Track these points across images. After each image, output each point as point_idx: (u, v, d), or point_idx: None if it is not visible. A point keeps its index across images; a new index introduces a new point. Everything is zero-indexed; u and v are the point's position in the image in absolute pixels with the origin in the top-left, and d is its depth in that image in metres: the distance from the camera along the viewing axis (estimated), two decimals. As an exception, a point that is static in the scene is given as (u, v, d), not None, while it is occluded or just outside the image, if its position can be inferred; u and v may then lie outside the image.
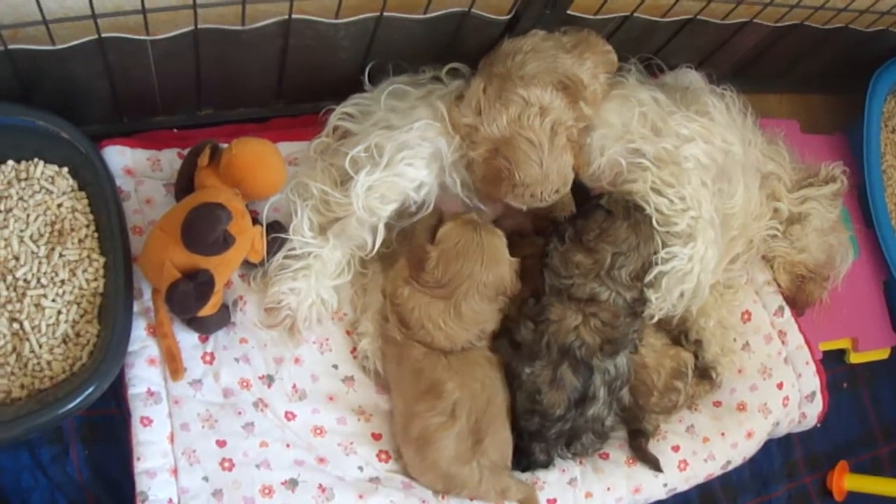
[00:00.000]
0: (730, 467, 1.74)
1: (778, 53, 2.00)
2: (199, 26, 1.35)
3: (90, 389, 1.29)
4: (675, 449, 1.66)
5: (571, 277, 1.50)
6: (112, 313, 1.36)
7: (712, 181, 1.60)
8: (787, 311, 1.85)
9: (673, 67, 1.83)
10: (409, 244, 1.54)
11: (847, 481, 1.99)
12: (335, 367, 1.55)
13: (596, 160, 1.58)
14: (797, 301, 1.88)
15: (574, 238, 1.51)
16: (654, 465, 1.61)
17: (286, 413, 1.48)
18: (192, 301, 1.36)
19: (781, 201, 1.81)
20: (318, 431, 1.50)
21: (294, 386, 1.51)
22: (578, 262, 1.49)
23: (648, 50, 1.81)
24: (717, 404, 1.76)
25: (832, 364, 2.03)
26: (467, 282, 1.46)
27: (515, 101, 1.43)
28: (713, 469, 1.69)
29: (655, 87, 1.67)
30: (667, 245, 1.54)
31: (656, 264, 1.54)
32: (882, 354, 2.14)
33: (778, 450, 1.93)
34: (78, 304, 1.40)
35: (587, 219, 1.52)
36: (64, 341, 1.38)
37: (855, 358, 2.11)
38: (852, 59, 2.11)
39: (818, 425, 1.89)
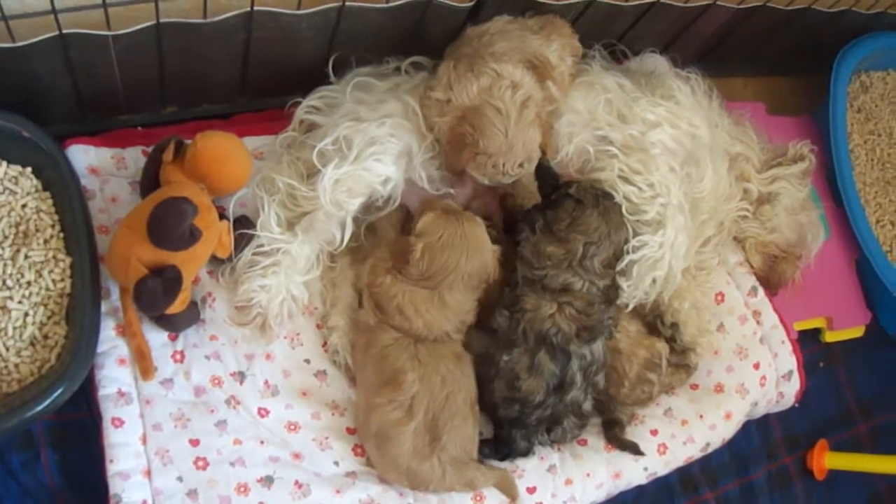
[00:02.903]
0: (709, 449, 1.73)
1: (742, 36, 2.01)
2: (160, 20, 1.34)
3: (59, 391, 1.28)
4: (654, 433, 1.66)
5: (544, 268, 1.49)
6: (80, 314, 1.35)
7: (680, 166, 1.60)
8: (761, 292, 1.85)
9: (637, 53, 1.84)
10: (375, 239, 1.54)
11: (827, 460, 1.99)
12: (307, 361, 1.54)
13: (564, 147, 1.58)
14: (770, 281, 1.88)
15: (545, 228, 1.50)
16: (634, 449, 1.61)
17: (259, 410, 1.47)
18: (160, 297, 1.35)
19: (751, 182, 1.82)
20: (293, 427, 1.49)
21: (266, 382, 1.49)
22: (550, 253, 1.49)
23: (612, 35, 1.81)
24: (695, 387, 1.76)
25: (807, 344, 2.02)
26: (453, 273, 1.46)
27: (487, 72, 1.42)
28: (692, 452, 1.69)
29: (620, 72, 1.68)
30: (637, 233, 1.54)
31: (627, 253, 1.54)
32: (857, 332, 2.15)
33: (757, 431, 1.93)
34: (45, 305, 1.39)
35: (557, 209, 1.51)
36: (31, 343, 1.37)
37: (830, 337, 2.11)
38: (816, 41, 2.12)
39: (796, 405, 1.89)
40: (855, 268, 2.18)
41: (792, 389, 1.83)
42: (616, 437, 1.61)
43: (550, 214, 1.51)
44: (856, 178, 2.14)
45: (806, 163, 1.87)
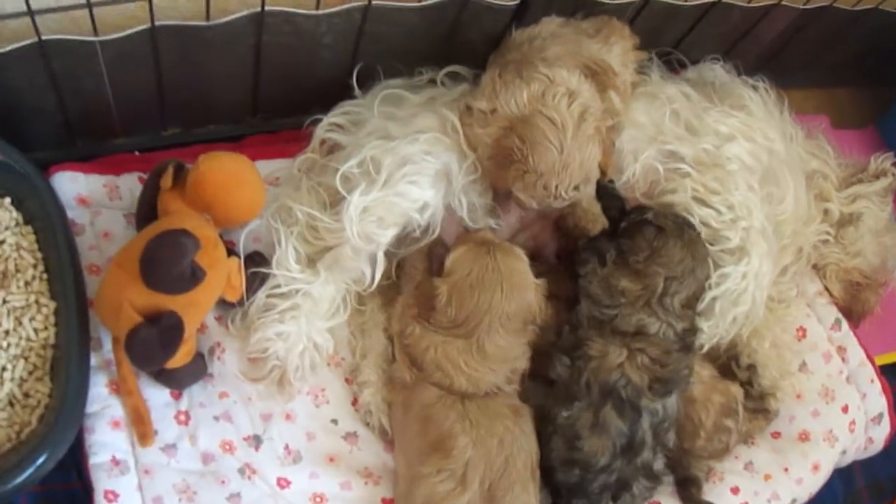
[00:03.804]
0: None
1: (802, 43, 1.94)
2: (156, 23, 1.29)
3: (41, 460, 1.21)
4: (735, 491, 1.56)
5: (616, 307, 1.40)
6: (66, 368, 1.29)
7: (759, 184, 1.53)
8: (845, 324, 1.77)
9: (694, 62, 1.78)
10: (409, 278, 1.46)
11: (916, 510, 1.91)
12: (334, 422, 1.46)
13: (629, 167, 1.50)
14: (853, 311, 1.80)
15: (618, 260, 1.41)
16: None
17: (279, 480, 1.39)
18: (156, 349, 1.28)
19: (831, 202, 1.75)
20: (319, 500, 1.40)
21: (286, 447, 1.41)
22: (625, 289, 1.39)
23: (668, 42, 1.76)
24: (776, 435, 1.66)
25: (888, 380, 1.90)
26: (488, 315, 1.35)
27: (539, 78, 1.33)
28: None
29: (682, 81, 1.64)
30: (718, 265, 1.47)
31: (709, 288, 1.46)
32: (942, 366, 2.09)
33: (839, 481, 1.79)
34: (25, 358, 1.32)
35: (634, 237, 1.41)
36: (10, 403, 1.30)
37: None
38: (880, 48, 2.07)
39: (884, 450, 1.80)
40: (938, 293, 2.11)
41: (882, 434, 1.75)
42: (693, 499, 1.51)
43: (626, 244, 1.41)
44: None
45: (889, 179, 1.80)
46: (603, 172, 1.41)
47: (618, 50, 1.43)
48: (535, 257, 1.49)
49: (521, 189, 1.35)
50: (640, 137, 1.49)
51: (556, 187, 1.34)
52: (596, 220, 1.52)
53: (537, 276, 1.40)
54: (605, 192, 1.46)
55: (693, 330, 1.44)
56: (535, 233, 1.56)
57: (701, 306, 1.45)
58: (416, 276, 1.44)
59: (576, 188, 1.35)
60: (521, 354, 1.41)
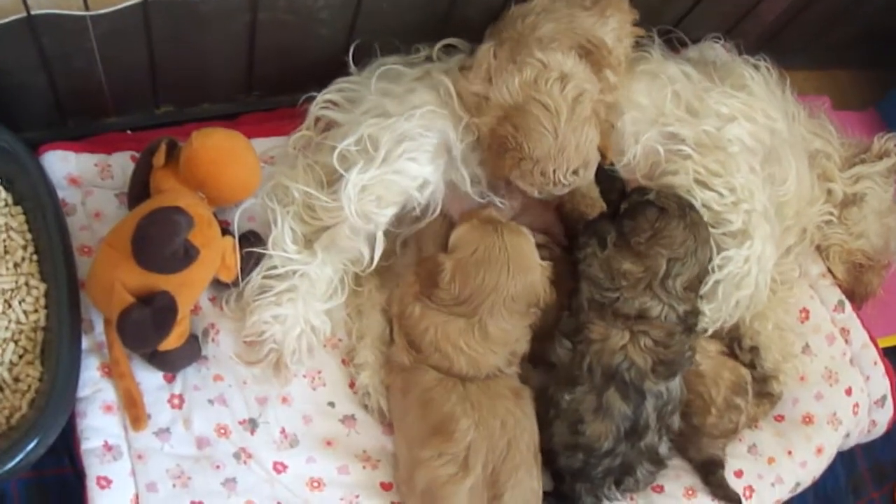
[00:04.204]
0: (798, 490, 1.64)
1: (806, 21, 1.95)
2: None
3: (32, 445, 1.19)
4: (738, 474, 1.55)
5: (617, 290, 1.38)
6: (56, 351, 1.28)
7: (761, 165, 1.52)
8: (848, 306, 1.76)
9: (695, 41, 1.77)
10: (414, 256, 1.45)
11: (920, 493, 1.90)
12: (331, 404, 1.45)
13: (630, 148, 1.49)
14: (856, 293, 1.79)
15: (619, 242, 1.39)
16: (736, 500, 1.50)
17: (275, 464, 1.38)
18: (149, 331, 1.27)
19: (834, 182, 1.74)
20: (316, 484, 1.39)
21: (283, 430, 1.40)
22: (626, 271, 1.38)
23: (669, 21, 1.74)
24: (780, 418, 1.65)
25: (891, 361, 1.89)
26: (492, 296, 1.34)
27: (532, 63, 1.32)
28: (782, 494, 1.59)
29: (683, 60, 1.61)
30: (720, 248, 1.45)
31: (712, 272, 1.45)
32: (945, 348, 2.09)
33: (841, 464, 1.81)
34: (15, 341, 1.31)
35: (635, 218, 1.40)
36: (0, 388, 1.29)
37: None
38: (882, 29, 2.07)
39: (887, 432, 1.80)
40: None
41: (885, 416, 1.74)
42: (720, 484, 1.50)
43: (628, 225, 1.40)
44: (932, 177, 2.09)
45: (892, 158, 1.79)
46: (603, 156, 1.40)
47: (613, 23, 1.41)
48: (544, 244, 1.49)
49: (518, 177, 1.35)
50: (642, 119, 1.48)
51: (554, 173, 1.33)
52: (594, 204, 1.51)
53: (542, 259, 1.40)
54: (605, 175, 1.44)
55: (695, 312, 1.43)
56: (539, 215, 1.55)
57: (703, 290, 1.44)
58: (428, 253, 1.43)
59: (574, 173, 1.34)
60: (521, 337, 1.40)
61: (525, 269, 1.35)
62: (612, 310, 1.38)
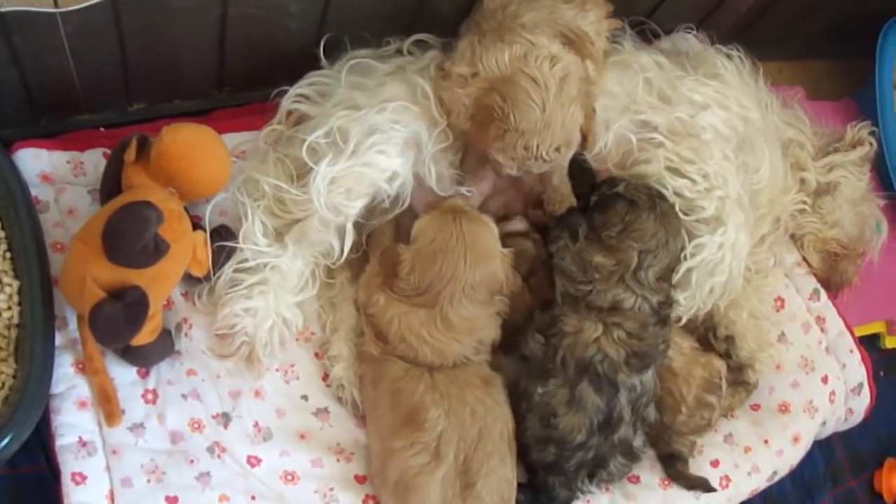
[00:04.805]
0: (776, 478, 1.64)
1: (777, 14, 1.94)
2: None
3: (5, 441, 1.19)
4: (715, 464, 1.56)
5: (590, 282, 1.38)
6: (30, 348, 1.28)
7: (734, 153, 1.51)
8: (824, 295, 1.76)
9: (667, 32, 1.77)
10: (377, 247, 1.44)
11: (898, 479, 1.92)
12: (304, 398, 1.45)
13: (601, 136, 1.48)
14: (831, 282, 1.79)
15: (590, 235, 1.39)
16: (705, 486, 1.50)
17: (249, 458, 1.38)
18: (121, 326, 1.26)
19: (807, 171, 1.73)
20: (290, 478, 1.38)
21: (256, 424, 1.40)
22: (598, 264, 1.38)
23: (641, 12, 1.74)
24: (756, 407, 1.65)
25: (866, 350, 1.90)
26: (451, 284, 1.34)
27: (520, 41, 1.31)
28: (758, 483, 1.59)
29: (656, 51, 1.61)
30: (693, 234, 1.44)
31: (684, 259, 1.44)
32: (921, 336, 2.06)
33: (819, 452, 1.81)
34: None
35: (606, 212, 1.40)
36: None
37: (891, 342, 2.02)
38: (856, 18, 2.05)
39: (864, 420, 1.80)
40: (915, 265, 2.10)
41: (862, 404, 1.74)
42: (681, 474, 1.51)
43: (599, 219, 1.39)
44: (908, 163, 2.07)
45: (866, 147, 1.78)
46: (585, 138, 1.39)
47: (592, 17, 1.40)
48: (524, 232, 1.48)
49: (500, 149, 1.33)
50: (613, 107, 1.47)
51: (538, 147, 1.32)
52: (563, 200, 1.50)
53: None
54: (577, 166, 1.43)
55: (669, 303, 1.43)
56: (508, 201, 1.54)
57: (676, 277, 1.44)
58: (385, 243, 1.42)
59: (557, 150, 1.33)
60: (488, 325, 1.40)
61: (484, 257, 1.35)
62: (586, 302, 1.38)
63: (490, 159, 1.36)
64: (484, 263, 1.35)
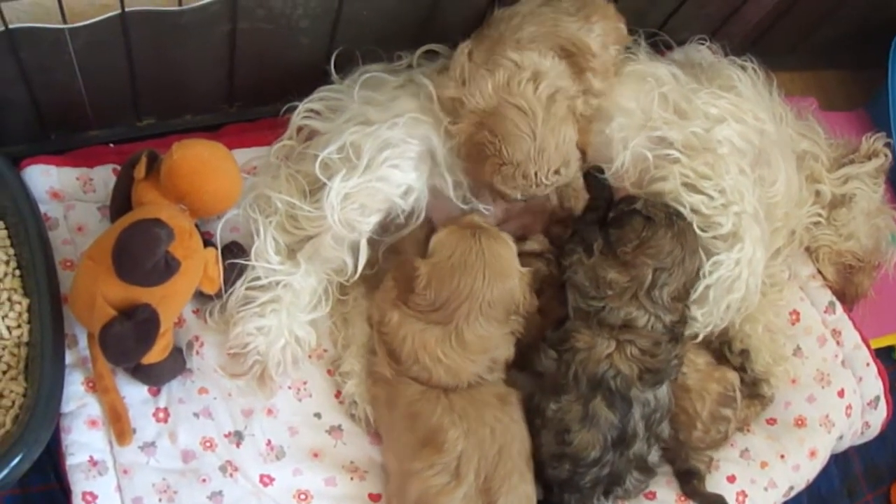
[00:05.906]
0: (792, 494, 1.62)
1: (791, 22, 1.93)
2: (126, 9, 1.25)
3: (16, 461, 1.19)
4: (731, 479, 1.54)
5: (603, 299, 1.38)
6: (40, 367, 1.27)
7: (750, 167, 1.49)
8: (839, 307, 1.74)
9: (680, 44, 1.76)
10: (396, 262, 1.42)
11: (915, 494, 1.87)
12: (317, 415, 1.44)
13: (619, 155, 1.46)
14: (846, 294, 1.77)
15: (605, 250, 1.39)
16: (720, 502, 1.48)
17: (261, 477, 1.37)
18: (131, 344, 1.26)
19: (822, 183, 1.73)
20: (303, 497, 1.38)
21: (269, 443, 1.39)
22: (612, 280, 1.37)
23: (653, 23, 1.73)
24: (772, 422, 1.63)
25: (883, 363, 1.87)
26: (468, 302, 1.32)
27: (504, 64, 1.31)
28: (775, 498, 1.57)
29: (671, 62, 1.60)
30: (711, 252, 1.44)
31: (703, 277, 1.43)
32: (937, 349, 2.10)
33: (836, 467, 1.79)
34: None
35: (622, 227, 1.39)
36: None
37: None
38: (868, 29, 2.05)
39: (881, 434, 1.78)
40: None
41: (879, 418, 1.72)
42: (697, 491, 1.48)
43: (614, 234, 1.39)
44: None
45: (881, 159, 1.78)
46: (583, 152, 1.39)
47: (598, 30, 1.39)
48: (541, 252, 1.48)
49: (500, 182, 1.33)
50: (629, 125, 1.46)
51: (536, 174, 1.31)
52: (578, 195, 1.48)
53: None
54: (594, 182, 1.43)
55: (683, 321, 1.42)
56: (525, 224, 1.54)
57: (694, 295, 1.43)
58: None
59: (556, 172, 1.32)
60: (502, 344, 1.38)
61: (502, 275, 1.34)
62: (598, 319, 1.37)
63: (494, 190, 1.36)
64: (502, 281, 1.33)
